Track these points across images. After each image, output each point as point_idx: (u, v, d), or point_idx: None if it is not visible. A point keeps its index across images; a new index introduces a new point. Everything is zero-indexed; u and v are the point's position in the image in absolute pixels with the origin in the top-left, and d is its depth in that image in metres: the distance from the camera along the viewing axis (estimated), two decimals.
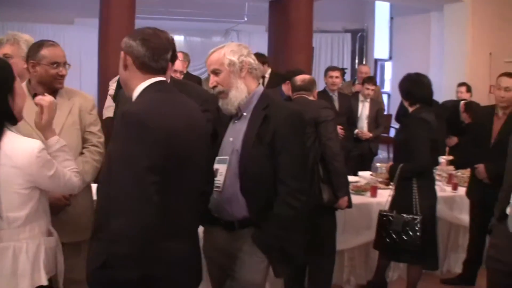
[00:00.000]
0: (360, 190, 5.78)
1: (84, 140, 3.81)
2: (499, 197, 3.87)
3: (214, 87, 3.33)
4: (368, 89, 8.38)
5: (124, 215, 2.43)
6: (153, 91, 2.69)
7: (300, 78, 5.19)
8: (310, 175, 4.68)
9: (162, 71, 2.75)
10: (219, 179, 3.29)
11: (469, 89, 9.33)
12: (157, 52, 2.70)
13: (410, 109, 5.05)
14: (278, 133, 3.19)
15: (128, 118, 2.55)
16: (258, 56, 9.20)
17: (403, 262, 5.35)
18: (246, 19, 15.01)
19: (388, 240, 4.89)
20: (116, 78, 5.98)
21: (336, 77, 8.02)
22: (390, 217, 4.88)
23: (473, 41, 12.12)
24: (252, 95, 3.33)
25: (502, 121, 5.36)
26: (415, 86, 4.99)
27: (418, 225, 4.79)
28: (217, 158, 3.35)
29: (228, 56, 3.27)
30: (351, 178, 6.12)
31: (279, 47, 10.29)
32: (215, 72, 3.31)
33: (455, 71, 11.95)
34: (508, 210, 3.71)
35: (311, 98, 5.08)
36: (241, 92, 3.29)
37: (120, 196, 2.46)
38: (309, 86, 5.15)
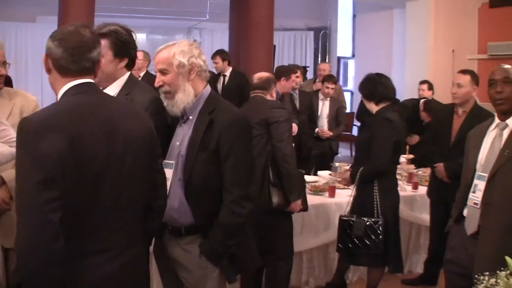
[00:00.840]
0: (318, 190, 5.71)
1: None
2: (456, 198, 3.87)
3: (160, 86, 3.20)
4: (328, 87, 8.32)
5: (21, 234, 2.22)
6: (69, 95, 2.45)
7: (257, 76, 5.12)
8: (261, 178, 4.59)
9: (85, 72, 2.49)
10: (167, 185, 3.13)
11: (430, 87, 9.34)
12: (77, 51, 2.45)
13: (375, 109, 4.98)
14: (223, 139, 3.08)
15: (22, 126, 2.30)
16: (221, 53, 9.22)
17: (366, 266, 5.24)
18: (208, 17, 14.93)
19: (350, 245, 4.83)
20: None
21: (297, 76, 7.94)
22: (351, 222, 4.81)
23: (436, 38, 12.13)
24: (199, 98, 3.23)
25: (461, 119, 5.32)
26: (378, 86, 4.94)
27: (380, 228, 4.74)
28: (164, 162, 3.17)
29: (178, 57, 3.15)
30: (309, 178, 6.08)
31: (240, 44, 10.21)
32: (163, 72, 3.18)
33: (418, 68, 11.95)
34: (465, 212, 3.68)
35: (267, 97, 4.99)
36: (188, 95, 3.17)
37: (18, 213, 2.24)
38: (266, 84, 5.05)
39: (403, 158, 6.37)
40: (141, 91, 3.35)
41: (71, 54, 2.44)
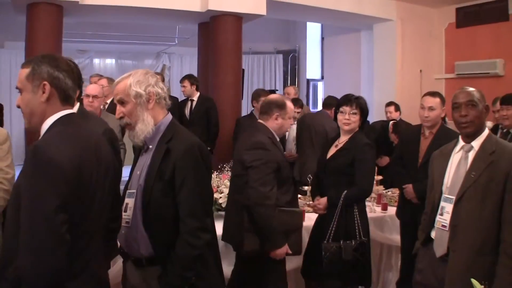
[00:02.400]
0: None
1: None
2: (422, 221, 3.87)
3: (121, 118, 3.20)
4: (294, 112, 8.32)
5: (34, 254, 2.31)
6: (63, 124, 2.59)
7: (263, 99, 4.96)
8: (237, 222, 4.51)
9: (74, 103, 2.72)
10: (129, 214, 3.17)
11: (397, 108, 9.47)
12: (77, 84, 2.72)
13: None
14: (177, 168, 3.07)
15: (36, 153, 2.42)
16: (189, 77, 9.21)
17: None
18: (177, 41, 14.94)
19: (335, 269, 4.73)
20: None
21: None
22: (338, 247, 4.70)
23: (403, 59, 12.28)
24: (159, 127, 3.22)
25: (428, 140, 5.36)
26: None
27: (366, 249, 4.76)
28: (127, 191, 3.24)
29: (134, 88, 3.14)
30: None
31: (208, 69, 10.20)
32: (121, 102, 3.17)
33: (386, 89, 12.09)
34: (433, 234, 3.68)
35: (268, 123, 4.72)
36: (147, 125, 3.16)
37: (30, 234, 2.33)
38: (266, 108, 4.80)
39: None
40: (94, 125, 3.36)
41: (77, 86, 2.71)
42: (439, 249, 3.66)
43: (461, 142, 3.72)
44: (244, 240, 4.43)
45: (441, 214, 3.65)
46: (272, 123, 4.68)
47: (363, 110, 4.97)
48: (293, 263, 5.18)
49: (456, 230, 3.53)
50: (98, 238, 2.67)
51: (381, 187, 6.56)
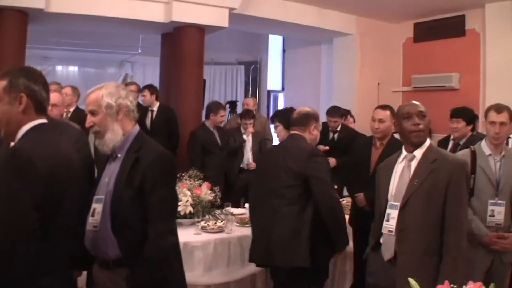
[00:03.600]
0: (245, 222, 5.80)
1: None
2: (372, 228, 4.03)
3: (91, 126, 3.36)
4: (245, 123, 8.49)
5: (8, 247, 2.46)
6: (39, 131, 2.79)
7: (296, 111, 5.10)
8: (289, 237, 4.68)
9: (46, 112, 2.93)
10: (96, 218, 3.30)
11: (353, 120, 9.74)
12: (49, 96, 2.93)
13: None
14: (147, 175, 3.23)
15: (15, 153, 2.60)
16: (150, 87, 9.30)
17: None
18: (140, 50, 14.91)
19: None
20: None
21: (222, 115, 8.21)
22: None
23: (361, 72, 12.49)
24: (127, 137, 3.38)
25: (379, 151, 5.59)
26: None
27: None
28: (94, 197, 3.37)
29: (106, 99, 3.31)
30: (236, 211, 6.18)
31: (170, 78, 10.26)
32: (92, 113, 3.34)
33: (344, 101, 12.19)
34: (381, 239, 3.86)
35: (306, 134, 4.91)
36: (116, 134, 3.33)
37: (5, 229, 2.48)
38: (304, 120, 4.97)
39: None
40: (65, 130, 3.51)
41: (49, 97, 2.90)
42: (387, 253, 3.84)
43: (404, 153, 3.90)
44: (301, 255, 4.61)
45: (388, 220, 3.81)
46: (309, 135, 4.92)
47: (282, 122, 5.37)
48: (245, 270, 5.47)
49: (402, 234, 3.72)
50: (67, 239, 2.81)
51: None
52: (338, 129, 9.14)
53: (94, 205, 3.35)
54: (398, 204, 3.77)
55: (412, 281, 2.41)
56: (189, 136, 8.70)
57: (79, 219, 3.13)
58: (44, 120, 2.87)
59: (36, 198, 2.55)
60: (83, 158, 3.51)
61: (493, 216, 4.69)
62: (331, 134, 9.12)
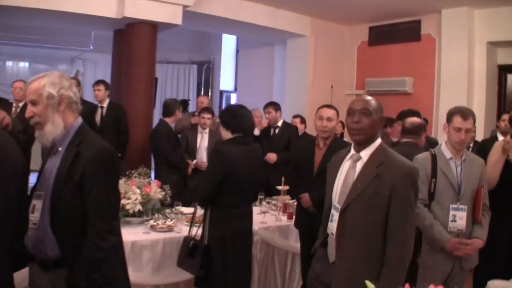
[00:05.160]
0: (195, 222, 5.69)
1: None
2: (322, 223, 3.91)
3: (31, 117, 3.20)
4: (204, 117, 8.42)
5: None
6: None
7: (409, 121, 5.40)
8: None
9: None
10: (36, 216, 3.16)
11: (303, 121, 9.77)
12: None
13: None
14: (87, 171, 3.10)
15: None
16: (105, 82, 9.14)
17: None
18: (92, 47, 14.75)
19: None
20: None
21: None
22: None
23: (314, 74, 12.52)
24: (69, 130, 3.24)
25: (323, 151, 5.55)
26: (237, 117, 5.01)
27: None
28: (34, 193, 3.22)
29: (47, 89, 3.17)
30: (186, 210, 6.09)
31: (121, 75, 10.12)
32: (33, 103, 3.18)
33: (296, 103, 12.30)
34: (328, 239, 3.77)
35: (418, 141, 5.27)
36: (57, 127, 3.19)
37: None
38: (417, 129, 5.37)
39: (279, 188, 6.55)
40: None
41: None
42: (332, 255, 3.68)
43: (352, 151, 3.68)
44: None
45: (331, 221, 3.65)
46: (421, 142, 5.27)
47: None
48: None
49: (341, 240, 3.55)
50: (4, 239, 2.67)
51: (287, 197, 6.71)
52: (279, 124, 9.14)
53: (34, 201, 3.21)
54: (339, 206, 3.60)
55: (368, 283, 2.34)
56: (157, 131, 8.47)
57: (20, 217, 2.97)
58: None
59: None
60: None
61: (455, 221, 4.62)
62: (272, 130, 9.17)
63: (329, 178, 3.84)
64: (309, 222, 5.39)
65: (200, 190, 4.89)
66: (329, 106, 5.70)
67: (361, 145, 3.61)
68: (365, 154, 3.58)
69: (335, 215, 3.60)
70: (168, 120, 8.22)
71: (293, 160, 6.12)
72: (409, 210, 3.47)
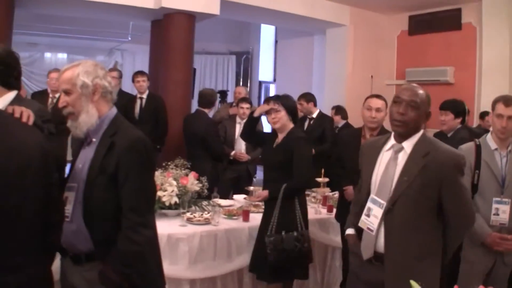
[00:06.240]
0: (231, 215, 5.63)
1: None
2: (352, 212, 3.77)
3: (64, 107, 3.11)
4: (243, 108, 8.32)
5: None
6: None
7: None
8: None
9: None
10: (68, 208, 3.07)
11: (341, 112, 9.71)
12: None
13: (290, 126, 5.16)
14: (121, 163, 3.00)
15: None
16: (146, 74, 9.12)
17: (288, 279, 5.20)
18: (130, 38, 14.78)
19: (275, 261, 4.87)
20: None
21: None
22: (280, 238, 4.89)
23: (354, 64, 12.40)
24: (103, 120, 3.15)
25: None
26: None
27: (307, 239, 4.98)
28: (67, 185, 3.13)
29: (82, 78, 3.07)
30: (224, 202, 6.02)
31: (159, 66, 10.12)
32: (66, 92, 3.10)
33: (336, 93, 12.18)
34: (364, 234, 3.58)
35: None
36: (91, 117, 3.10)
37: None
38: None
39: (319, 180, 6.43)
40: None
41: None
42: (367, 251, 3.52)
43: (392, 140, 3.53)
44: None
45: (368, 216, 3.49)
46: None
47: (287, 107, 5.18)
48: (232, 265, 5.33)
49: (390, 238, 3.39)
50: (26, 230, 2.57)
51: (327, 189, 6.57)
52: (314, 115, 9.01)
53: (66, 193, 3.12)
54: (383, 203, 3.41)
55: (413, 283, 2.23)
56: (211, 124, 8.46)
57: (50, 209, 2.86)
58: None
59: None
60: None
61: (497, 214, 4.40)
62: (307, 121, 9.04)
63: (365, 167, 3.69)
64: None
65: (309, 178, 5.07)
66: (378, 96, 5.52)
67: (402, 136, 3.46)
68: (408, 144, 3.44)
69: (374, 209, 3.46)
70: (205, 110, 8.15)
71: (337, 150, 5.99)
72: (464, 195, 3.43)
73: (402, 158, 3.43)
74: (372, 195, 3.49)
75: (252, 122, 5.51)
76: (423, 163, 3.32)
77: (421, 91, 3.45)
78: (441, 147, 3.42)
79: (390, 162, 3.47)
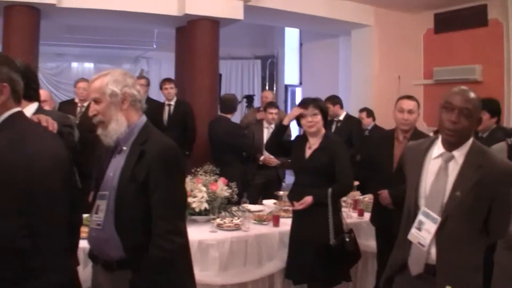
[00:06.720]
0: (261, 220, 5.61)
1: None
2: (403, 227, 3.61)
3: (95, 115, 3.15)
4: (271, 113, 8.30)
5: None
6: (17, 123, 2.64)
7: None
8: None
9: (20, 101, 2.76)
10: (100, 216, 3.11)
11: (370, 114, 9.53)
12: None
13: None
14: (152, 171, 3.01)
15: None
16: (173, 81, 9.14)
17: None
18: (155, 46, 14.86)
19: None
20: None
21: None
22: (345, 239, 5.00)
23: (380, 65, 12.29)
24: (132, 128, 3.17)
25: (403, 144, 5.25)
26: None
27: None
28: (98, 193, 3.17)
29: (111, 86, 3.11)
30: (254, 207, 5.99)
31: (185, 73, 10.17)
32: (96, 101, 3.13)
33: (363, 95, 12.10)
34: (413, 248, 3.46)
35: None
36: (121, 125, 3.12)
37: None
38: None
39: None
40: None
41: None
42: (416, 267, 3.35)
43: (439, 147, 3.35)
44: None
45: (419, 229, 3.30)
46: None
47: (323, 110, 5.20)
48: (262, 270, 5.30)
49: (442, 252, 3.24)
50: (63, 232, 2.67)
51: (357, 193, 6.52)
52: (341, 118, 8.99)
53: (98, 202, 3.16)
54: (438, 218, 3.23)
55: None
56: (235, 127, 8.50)
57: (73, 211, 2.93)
58: (19, 109, 2.69)
59: (20, 202, 2.46)
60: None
61: None
62: (334, 123, 9.06)
63: (410, 175, 3.51)
64: (387, 219, 5.16)
65: (350, 182, 5.19)
66: (410, 97, 5.43)
67: (453, 145, 3.28)
68: (459, 154, 3.26)
69: (426, 223, 3.28)
70: (228, 116, 8.15)
71: (368, 153, 5.95)
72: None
73: (453, 168, 3.26)
74: (424, 208, 3.32)
75: (281, 132, 5.49)
76: (477, 177, 3.15)
77: (472, 95, 3.25)
78: (495, 159, 3.25)
79: (440, 172, 3.30)
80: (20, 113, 2.68)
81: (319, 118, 5.12)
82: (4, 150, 2.45)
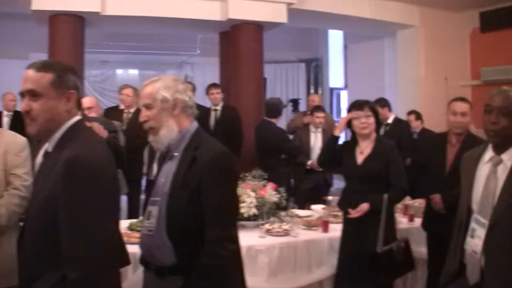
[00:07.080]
0: (311, 225, 5.54)
1: (7, 183, 3.77)
2: (456, 234, 3.52)
3: (145, 121, 3.16)
4: (318, 117, 8.25)
5: (92, 265, 2.41)
6: (83, 131, 2.70)
7: None
8: None
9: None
10: (152, 222, 3.12)
11: (418, 117, 9.36)
12: None
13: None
14: (204, 177, 2.99)
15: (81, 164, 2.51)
16: (214, 86, 9.17)
17: None
18: (199, 51, 14.93)
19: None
20: None
21: None
22: (393, 248, 4.88)
23: (427, 66, 12.15)
24: (184, 134, 3.16)
25: (456, 148, 5.16)
26: None
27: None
28: (150, 199, 3.19)
29: (162, 92, 3.11)
30: (302, 213, 5.95)
31: (229, 78, 10.22)
32: (147, 107, 3.15)
33: (409, 97, 11.93)
34: (465, 259, 3.36)
35: None
36: (172, 131, 3.13)
37: (83, 246, 2.41)
38: None
39: None
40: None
41: None
42: (473, 276, 3.25)
43: (490, 151, 3.27)
44: None
45: (472, 237, 3.22)
46: None
47: (376, 112, 5.16)
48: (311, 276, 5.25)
49: (490, 258, 3.13)
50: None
51: (407, 198, 6.41)
52: (390, 121, 8.89)
53: (149, 208, 3.18)
54: (485, 222, 3.15)
55: None
56: (280, 132, 8.47)
57: None
58: (80, 116, 2.72)
59: (111, 208, 2.61)
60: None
61: None
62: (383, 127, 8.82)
63: (464, 182, 3.43)
64: (439, 225, 5.04)
65: (406, 187, 5.02)
66: (462, 99, 5.33)
67: (499, 147, 3.20)
68: (507, 157, 3.16)
69: (477, 230, 3.20)
70: (273, 120, 8.11)
71: (420, 156, 5.85)
72: None
73: (502, 172, 3.17)
74: (475, 215, 3.25)
75: (334, 143, 5.40)
76: None
77: None
78: None
79: (490, 177, 3.21)
80: (82, 121, 2.73)
81: (372, 120, 5.05)
82: (103, 154, 2.62)
